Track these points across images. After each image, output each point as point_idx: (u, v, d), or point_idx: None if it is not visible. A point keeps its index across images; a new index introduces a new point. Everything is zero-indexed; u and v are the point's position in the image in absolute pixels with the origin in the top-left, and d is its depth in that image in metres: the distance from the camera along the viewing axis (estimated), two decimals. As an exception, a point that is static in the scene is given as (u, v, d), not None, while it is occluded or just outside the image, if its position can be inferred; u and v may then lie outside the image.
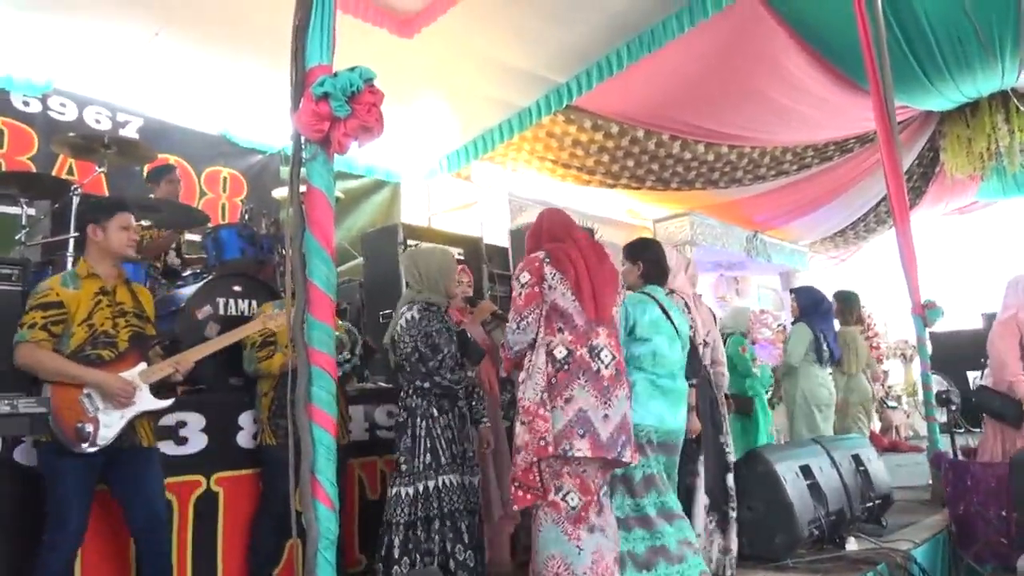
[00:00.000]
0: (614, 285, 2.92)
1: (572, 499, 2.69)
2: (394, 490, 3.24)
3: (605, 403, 2.73)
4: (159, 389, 2.97)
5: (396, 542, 3.17)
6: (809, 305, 5.60)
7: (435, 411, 3.28)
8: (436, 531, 3.17)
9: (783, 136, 8.18)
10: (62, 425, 2.70)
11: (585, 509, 2.69)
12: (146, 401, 2.90)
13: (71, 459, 2.72)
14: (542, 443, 2.64)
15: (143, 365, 2.95)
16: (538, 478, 2.69)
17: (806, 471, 4.12)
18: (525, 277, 2.84)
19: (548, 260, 2.84)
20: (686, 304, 3.70)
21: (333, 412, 1.97)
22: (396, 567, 3.15)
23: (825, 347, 5.43)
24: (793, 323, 5.72)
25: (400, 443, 3.29)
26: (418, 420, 3.27)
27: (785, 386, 5.65)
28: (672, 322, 3.36)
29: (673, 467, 3.34)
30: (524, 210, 8.16)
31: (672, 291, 3.67)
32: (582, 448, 2.66)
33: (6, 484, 2.86)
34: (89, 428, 2.73)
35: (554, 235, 2.96)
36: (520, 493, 2.72)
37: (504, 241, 6.40)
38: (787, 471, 3.99)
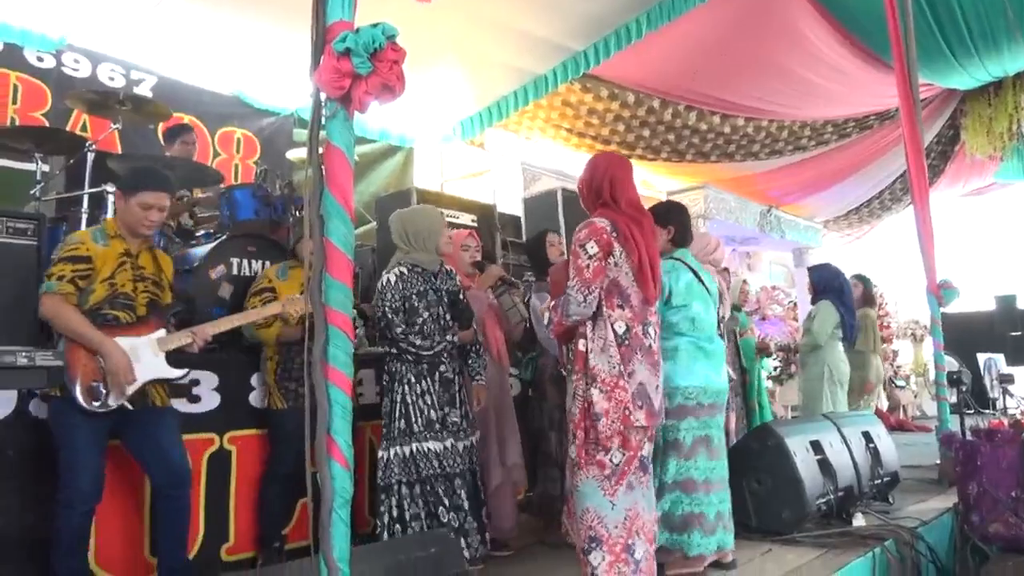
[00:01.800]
0: (659, 260, 2.97)
1: (615, 457, 2.75)
2: (379, 453, 3.28)
3: (656, 375, 2.83)
4: (175, 357, 2.98)
5: (383, 505, 3.21)
6: (828, 283, 5.57)
7: (412, 377, 3.29)
8: (419, 495, 3.19)
9: (803, 111, 8.08)
10: (76, 382, 2.71)
11: (628, 464, 2.76)
12: (161, 369, 2.91)
13: (82, 416, 2.72)
14: (627, 411, 2.72)
15: (162, 332, 2.95)
16: (584, 436, 2.76)
17: (816, 446, 4.12)
18: (593, 248, 2.78)
19: (616, 235, 2.80)
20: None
21: (350, 372, 1.96)
22: (385, 531, 3.20)
23: (847, 324, 5.43)
24: (812, 301, 5.69)
25: (383, 406, 3.33)
26: (395, 386, 3.29)
27: (806, 362, 5.63)
28: (704, 285, 3.38)
29: (722, 428, 3.39)
30: (537, 179, 8.11)
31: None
32: (640, 419, 2.75)
33: (21, 437, 2.88)
34: (103, 388, 2.74)
35: (619, 195, 2.90)
36: (588, 454, 2.76)
37: (517, 210, 6.38)
38: (797, 446, 3.99)
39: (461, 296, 3.51)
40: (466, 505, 3.28)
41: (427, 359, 3.32)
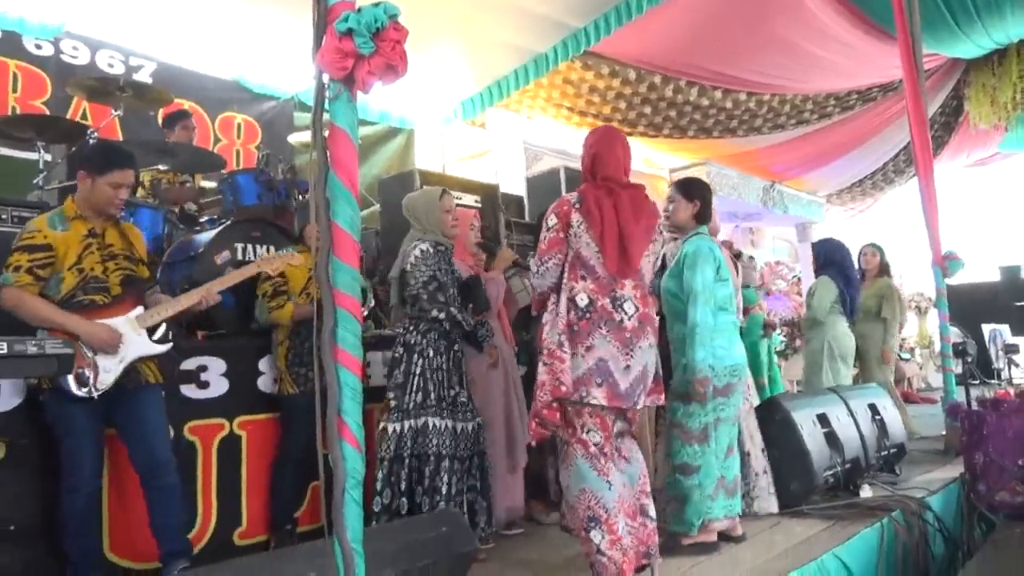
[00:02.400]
0: (648, 238, 2.86)
1: (594, 436, 2.73)
2: (382, 425, 3.27)
3: (627, 354, 2.72)
4: (170, 330, 2.98)
5: (379, 476, 3.20)
6: (829, 257, 5.55)
7: (431, 351, 3.28)
8: (427, 470, 3.17)
9: (806, 84, 8.01)
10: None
11: (607, 443, 2.76)
12: (143, 346, 2.87)
13: (73, 405, 2.71)
14: (557, 383, 2.67)
15: (139, 309, 2.91)
16: (560, 416, 2.72)
17: (823, 419, 4.13)
18: (552, 221, 2.81)
19: (578, 206, 2.78)
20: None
21: (359, 354, 1.96)
22: (377, 497, 3.18)
23: (848, 298, 5.40)
24: (816, 276, 5.68)
25: (391, 379, 3.31)
26: (414, 357, 3.28)
27: (808, 336, 5.63)
28: (719, 262, 3.41)
29: (740, 403, 3.51)
30: (539, 159, 8.06)
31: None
32: (598, 396, 2.69)
33: (33, 426, 2.88)
34: (88, 373, 2.71)
35: (598, 169, 2.88)
36: (539, 428, 2.76)
37: (520, 189, 6.35)
38: (804, 419, 4.00)
39: (483, 281, 3.52)
40: (478, 485, 3.30)
41: (447, 336, 3.32)
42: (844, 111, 8.94)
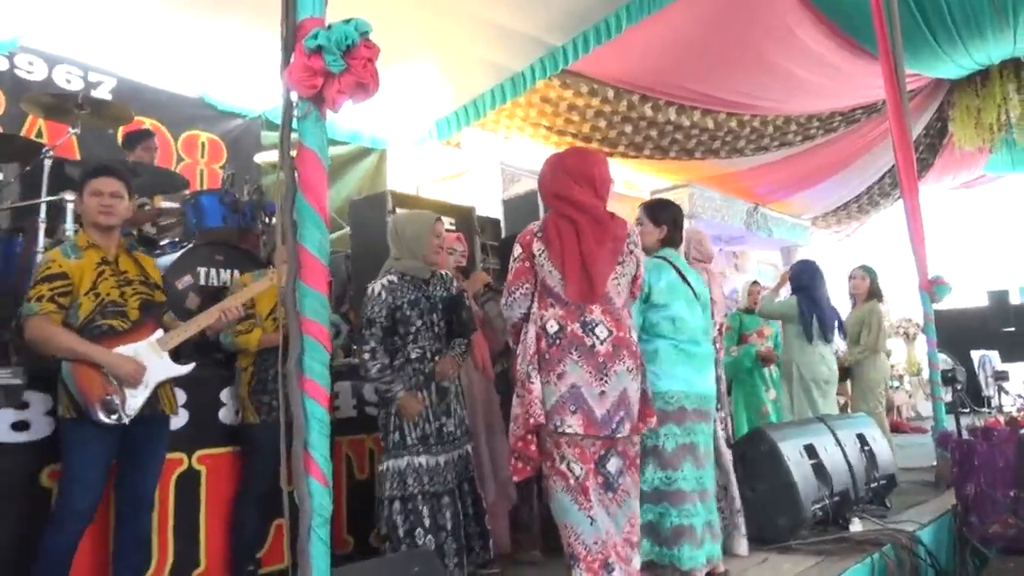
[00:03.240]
0: (613, 262, 2.84)
1: (575, 469, 2.71)
2: (379, 466, 3.29)
3: (601, 379, 2.72)
4: (179, 353, 3.04)
5: (388, 518, 3.21)
6: (795, 278, 5.61)
7: (414, 389, 3.29)
8: (414, 510, 3.19)
9: (788, 105, 8.17)
10: (88, 398, 2.74)
11: (587, 477, 2.72)
12: (167, 368, 2.97)
13: (95, 431, 2.76)
14: (527, 415, 2.68)
15: (159, 333, 2.99)
16: (535, 448, 2.71)
17: (810, 450, 4.15)
18: (516, 251, 2.85)
19: (540, 235, 2.81)
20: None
21: (327, 384, 1.95)
22: (387, 543, 3.22)
23: (815, 322, 5.40)
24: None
25: (378, 418, 3.35)
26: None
27: (783, 361, 5.68)
28: (690, 286, 3.36)
29: (710, 436, 3.36)
30: (517, 180, 8.12)
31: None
32: (573, 425, 2.67)
33: (7, 461, 2.87)
34: (116, 400, 2.79)
35: (558, 190, 2.89)
36: (519, 465, 2.74)
37: (497, 212, 6.37)
38: (791, 450, 4.01)
39: (465, 302, 3.50)
40: (463, 520, 3.29)
41: (422, 372, 3.32)
42: (828, 133, 9.11)
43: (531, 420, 2.66)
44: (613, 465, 2.79)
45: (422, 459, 3.24)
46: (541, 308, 2.78)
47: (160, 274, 3.22)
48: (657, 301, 3.30)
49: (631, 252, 2.89)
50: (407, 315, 3.30)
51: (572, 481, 2.69)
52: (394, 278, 3.34)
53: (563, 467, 2.71)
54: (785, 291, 5.99)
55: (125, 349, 2.86)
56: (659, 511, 3.19)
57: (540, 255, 2.79)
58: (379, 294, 3.30)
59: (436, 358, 3.34)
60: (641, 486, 3.08)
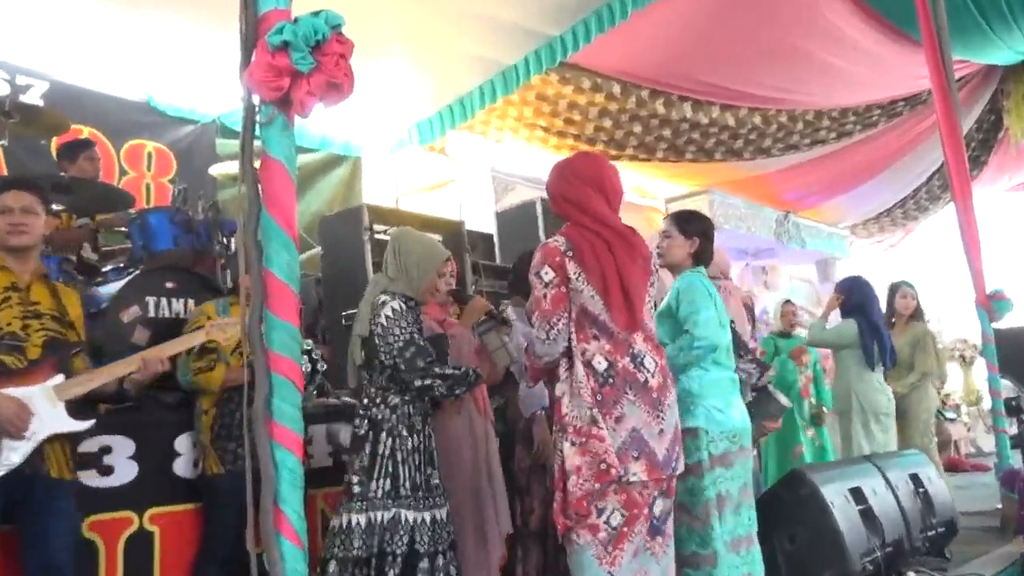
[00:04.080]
0: (647, 283, 2.90)
1: (615, 519, 2.71)
2: (343, 518, 3.18)
3: (658, 417, 2.78)
4: (82, 407, 2.93)
5: None
6: (850, 297, 5.64)
7: (404, 430, 3.24)
8: (394, 573, 3.13)
9: (820, 97, 8.23)
10: None
11: (630, 525, 2.72)
12: (60, 421, 2.84)
13: None
14: (603, 467, 2.67)
15: (59, 378, 2.89)
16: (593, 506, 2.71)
17: (857, 494, 4.15)
18: (548, 275, 2.79)
19: (570, 253, 2.80)
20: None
21: (299, 429, 1.96)
22: None
23: (875, 347, 5.45)
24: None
25: (356, 461, 3.25)
26: (383, 436, 3.22)
27: (835, 394, 5.68)
28: (716, 307, 3.42)
29: (749, 475, 3.39)
30: (511, 189, 8.16)
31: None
32: (638, 472, 2.70)
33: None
34: None
35: (578, 199, 2.90)
36: (566, 521, 2.73)
37: (489, 226, 6.40)
38: (835, 494, 4.01)
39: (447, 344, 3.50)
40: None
41: (421, 412, 3.30)
42: (866, 128, 9.17)
43: (612, 471, 2.66)
44: (659, 507, 2.82)
45: (414, 513, 3.19)
46: (582, 340, 2.78)
47: (82, 312, 3.13)
48: (696, 323, 3.32)
49: (655, 272, 2.97)
50: (422, 345, 3.29)
51: (604, 534, 2.70)
52: (400, 304, 3.32)
53: (598, 519, 2.71)
54: (833, 315, 6.00)
55: (15, 391, 2.75)
56: (730, 562, 3.22)
57: (577, 278, 2.78)
58: (401, 311, 3.26)
59: (449, 388, 3.32)
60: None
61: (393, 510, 3.16)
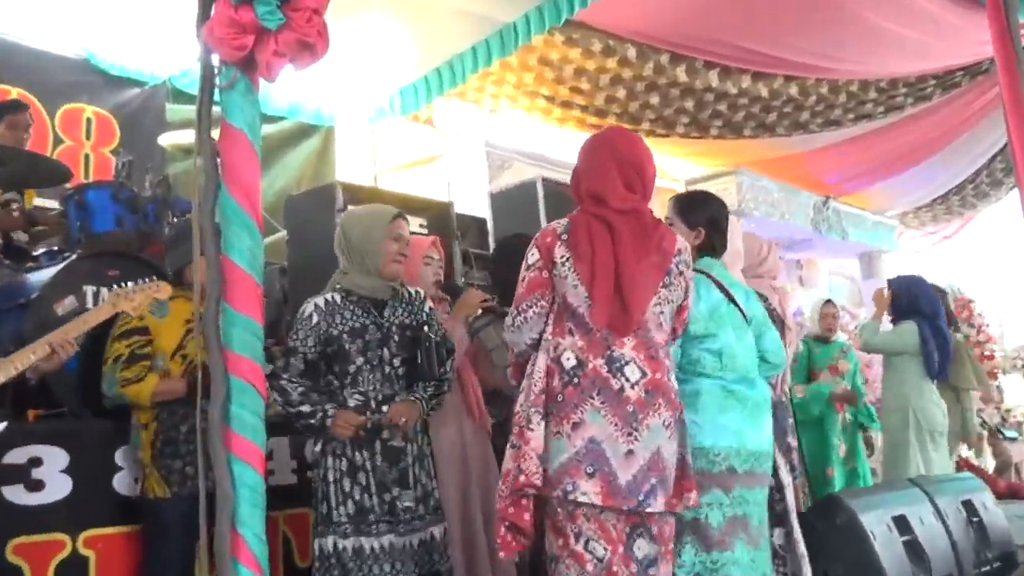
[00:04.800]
0: (656, 282, 2.87)
1: (596, 549, 2.69)
2: (315, 543, 3.24)
3: (628, 434, 2.71)
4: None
5: None
6: (906, 298, 5.66)
7: (336, 445, 3.25)
8: None
9: (866, 65, 8.23)
10: None
11: (613, 563, 2.69)
12: None
13: None
14: (519, 472, 2.67)
15: None
16: (528, 516, 2.71)
17: (902, 523, 4.17)
18: (532, 256, 2.83)
19: (564, 236, 2.81)
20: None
21: (261, 441, 1.97)
22: None
23: (936, 356, 5.48)
24: (892, 321, 5.79)
25: (317, 484, 3.30)
26: (329, 459, 3.26)
27: (887, 406, 5.71)
28: (738, 307, 3.36)
29: (764, 507, 3.36)
30: (508, 166, 8.16)
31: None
32: (588, 492, 2.66)
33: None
34: None
35: (595, 185, 2.88)
36: (508, 537, 2.74)
37: (482, 209, 6.40)
38: (876, 523, 4.03)
39: (433, 331, 3.46)
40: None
41: (374, 424, 3.28)
42: (919, 102, 9.18)
43: (522, 478, 2.66)
44: (641, 549, 2.76)
45: (378, 540, 3.20)
46: (557, 334, 2.79)
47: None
48: (697, 331, 3.28)
49: (680, 274, 2.91)
50: (345, 349, 3.27)
51: (592, 567, 2.69)
52: (336, 297, 3.33)
53: (579, 547, 2.69)
54: (865, 313, 6.03)
55: None
56: None
57: (563, 263, 2.79)
58: (308, 316, 3.28)
59: (385, 407, 3.31)
60: (677, 574, 3.07)
61: (357, 538, 3.18)
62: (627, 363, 2.77)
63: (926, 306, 5.58)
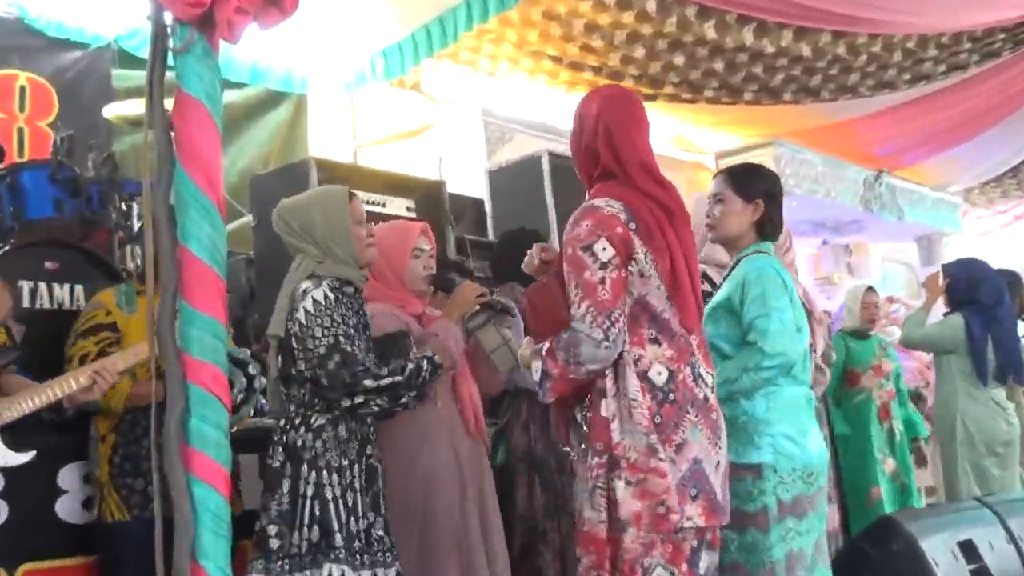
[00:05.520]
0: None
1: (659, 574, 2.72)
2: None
3: (716, 445, 2.82)
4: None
5: None
6: (959, 284, 5.64)
7: (335, 458, 3.23)
8: None
9: (925, 18, 8.21)
10: None
11: None
12: None
13: None
14: (660, 510, 2.67)
15: None
16: (603, 551, 2.73)
17: (968, 549, 4.16)
18: (607, 252, 2.73)
19: (632, 225, 2.79)
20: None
21: (225, 459, 1.98)
22: None
23: (991, 356, 5.45)
24: (945, 313, 5.78)
25: (272, 503, 3.24)
26: (303, 469, 3.20)
27: (937, 414, 5.70)
28: (793, 302, 3.38)
29: (824, 524, 3.40)
30: (509, 138, 8.16)
31: None
32: (693, 516, 2.72)
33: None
34: None
35: (616, 156, 2.89)
36: None
37: (479, 188, 6.40)
38: (939, 550, 4.03)
39: (408, 342, 3.46)
40: None
41: (358, 435, 3.28)
42: (986, 60, 9.16)
43: (673, 516, 2.66)
44: (704, 563, 2.81)
45: (360, 573, 3.21)
46: (635, 344, 2.79)
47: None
48: (766, 333, 3.27)
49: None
50: (349, 351, 3.28)
51: None
52: (325, 292, 3.31)
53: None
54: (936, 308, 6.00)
55: None
56: None
57: (645, 258, 2.78)
58: (330, 303, 3.24)
59: (387, 406, 3.28)
60: None
61: (326, 566, 3.17)
62: (701, 366, 2.86)
63: (987, 295, 5.53)
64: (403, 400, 3.25)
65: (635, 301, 2.79)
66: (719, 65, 8.11)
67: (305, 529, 3.16)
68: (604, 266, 2.73)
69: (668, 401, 2.75)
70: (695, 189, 7.83)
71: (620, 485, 2.72)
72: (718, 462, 2.81)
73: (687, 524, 2.71)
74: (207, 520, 1.94)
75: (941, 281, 5.87)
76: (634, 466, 2.71)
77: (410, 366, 3.23)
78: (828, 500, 3.79)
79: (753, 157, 9.44)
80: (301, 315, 3.19)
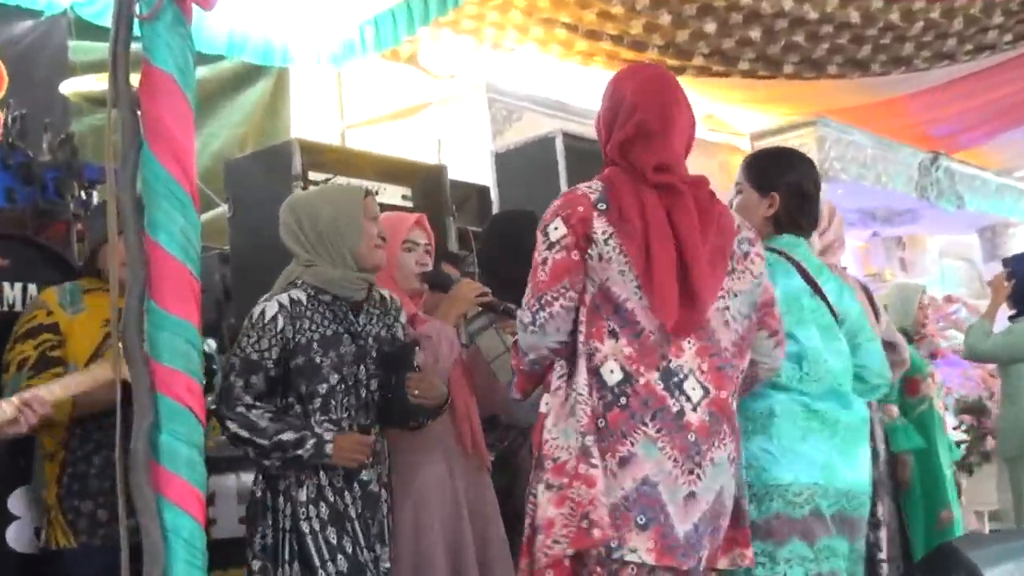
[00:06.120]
0: (722, 269, 2.85)
1: None
2: None
3: (690, 472, 2.70)
4: None
5: None
6: None
7: (308, 489, 3.24)
8: None
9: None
10: None
11: None
12: None
13: None
14: (585, 524, 2.64)
15: None
16: None
17: (1038, 581, 4.18)
18: (558, 231, 2.73)
19: (603, 205, 2.78)
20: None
21: (200, 480, 1.98)
22: None
23: None
24: (1011, 317, 5.78)
25: (256, 536, 3.26)
26: (280, 501, 3.24)
27: (1002, 430, 5.70)
28: (826, 301, 3.36)
29: (860, 561, 3.36)
30: (517, 118, 8.16)
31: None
32: (639, 547, 2.64)
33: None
34: None
35: (638, 142, 2.89)
36: None
37: (484, 175, 6.41)
38: (1005, 581, 4.04)
39: (413, 365, 3.45)
40: None
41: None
42: (1057, 26, 9.16)
43: (596, 533, 2.59)
44: None
45: None
46: (594, 336, 2.73)
47: None
48: (823, 324, 3.28)
49: (746, 256, 2.88)
50: (316, 362, 3.26)
51: None
52: (301, 296, 3.32)
53: None
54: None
55: None
56: None
57: (606, 240, 2.74)
58: (272, 319, 3.25)
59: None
60: None
61: None
62: (686, 377, 2.74)
63: None
64: (265, 462, 3.24)
65: (598, 288, 2.72)
66: (755, 33, 8.11)
67: (287, 566, 3.19)
68: (551, 246, 2.74)
69: (618, 405, 2.66)
70: (728, 175, 7.82)
71: (540, 488, 2.70)
72: (691, 493, 2.69)
73: (628, 555, 2.64)
74: (179, 548, 1.94)
75: (1007, 283, 5.87)
76: (559, 468, 2.67)
77: (288, 437, 3.16)
78: (874, 526, 3.78)
79: (793, 139, 9.45)
80: (244, 327, 3.26)
